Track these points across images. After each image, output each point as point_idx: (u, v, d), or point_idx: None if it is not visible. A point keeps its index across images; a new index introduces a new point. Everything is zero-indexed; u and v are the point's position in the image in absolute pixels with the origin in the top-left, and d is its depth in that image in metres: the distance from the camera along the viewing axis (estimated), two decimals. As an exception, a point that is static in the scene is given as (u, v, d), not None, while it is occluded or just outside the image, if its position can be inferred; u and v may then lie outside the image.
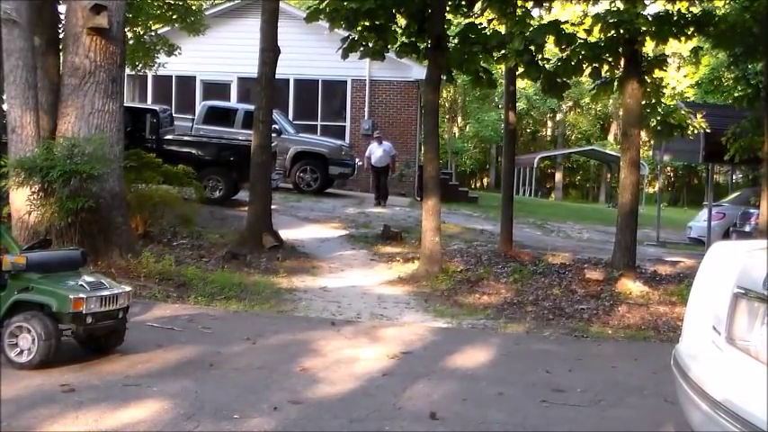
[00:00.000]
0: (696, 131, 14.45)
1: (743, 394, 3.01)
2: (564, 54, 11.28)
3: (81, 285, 5.66)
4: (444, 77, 11.97)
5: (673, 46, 24.38)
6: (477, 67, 11.73)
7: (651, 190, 42.35)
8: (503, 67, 12.84)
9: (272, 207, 12.71)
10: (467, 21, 12.02)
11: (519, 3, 11.66)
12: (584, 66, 11.21)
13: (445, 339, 7.41)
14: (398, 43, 11.62)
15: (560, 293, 9.92)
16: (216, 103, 20.66)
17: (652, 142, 21.36)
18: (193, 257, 10.80)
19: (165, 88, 22.87)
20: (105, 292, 5.72)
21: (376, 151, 19.28)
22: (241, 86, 22.44)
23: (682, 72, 38.56)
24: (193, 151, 16.17)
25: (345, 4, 10.56)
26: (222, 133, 18.11)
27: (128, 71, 15.29)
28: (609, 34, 10.73)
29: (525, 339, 7.81)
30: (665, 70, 12.55)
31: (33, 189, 8.74)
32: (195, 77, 22.80)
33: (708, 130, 14.97)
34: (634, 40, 10.61)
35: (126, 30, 11.82)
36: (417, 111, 22.14)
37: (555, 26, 10.93)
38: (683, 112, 13.39)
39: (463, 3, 11.74)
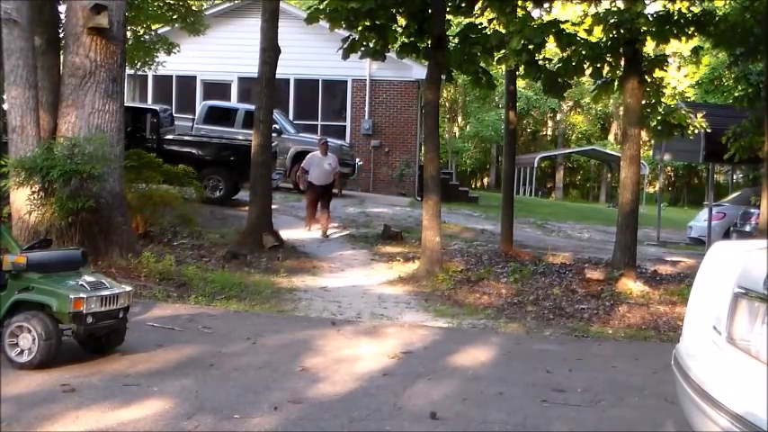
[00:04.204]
0: (696, 131, 14.45)
1: (743, 394, 3.01)
2: (565, 54, 11.29)
3: (81, 285, 5.66)
4: (444, 77, 11.98)
5: (673, 46, 24.38)
6: (477, 67, 11.75)
7: (651, 190, 42.36)
8: (503, 67, 12.84)
9: (273, 207, 12.73)
10: (467, 21, 12.03)
11: (519, 2, 11.67)
12: (585, 66, 11.22)
13: (446, 339, 7.41)
14: (399, 43, 11.62)
15: (561, 293, 9.92)
16: (216, 102, 20.69)
17: (652, 142, 21.34)
18: (194, 257, 10.82)
19: (165, 88, 22.88)
20: (106, 292, 5.72)
21: (318, 165, 14.24)
22: (241, 86, 22.45)
23: (682, 72, 38.55)
24: (194, 151, 16.18)
25: (346, 4, 10.56)
26: (222, 133, 18.14)
27: (128, 71, 15.29)
28: (610, 34, 10.73)
29: (525, 339, 7.81)
30: (666, 70, 12.55)
31: (34, 189, 8.74)
32: (195, 77, 22.81)
33: (708, 130, 14.97)
34: (635, 40, 10.61)
35: (126, 29, 11.81)
36: (418, 111, 22.15)
37: (554, 26, 10.93)
38: (683, 112, 13.38)
39: (463, 3, 11.74)
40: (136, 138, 14.83)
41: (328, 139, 15.28)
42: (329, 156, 14.47)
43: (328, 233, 14.01)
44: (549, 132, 53.50)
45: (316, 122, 22.47)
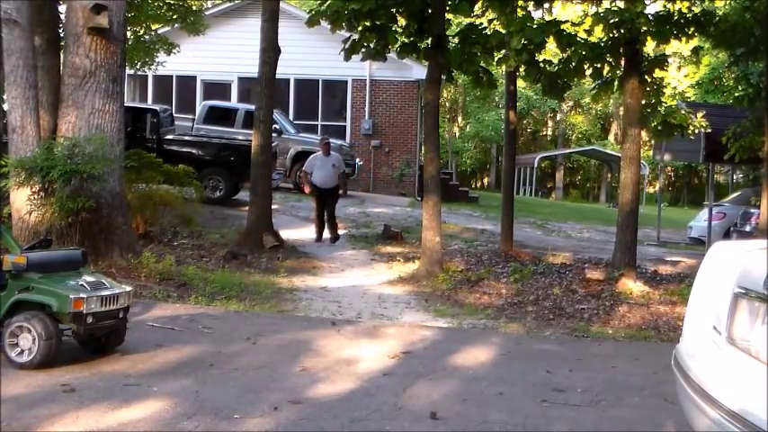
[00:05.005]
0: (696, 131, 14.45)
1: (743, 394, 3.01)
2: (565, 55, 11.29)
3: (81, 285, 5.66)
4: (444, 77, 11.98)
5: (673, 46, 24.38)
6: (477, 67, 11.74)
7: (651, 190, 42.36)
8: (503, 67, 12.84)
9: (273, 207, 12.73)
10: (467, 21, 12.02)
11: (519, 2, 11.66)
12: (585, 66, 11.22)
13: (446, 339, 7.41)
14: (399, 43, 11.62)
15: (561, 293, 9.91)
16: (216, 102, 20.70)
17: (652, 142, 21.35)
18: (194, 257, 10.81)
19: (165, 88, 22.89)
20: (106, 292, 5.72)
21: (321, 166, 13.46)
22: (241, 86, 22.46)
23: (682, 72, 38.54)
24: (194, 151, 16.18)
25: (347, 5, 10.56)
26: (222, 133, 18.14)
27: (128, 71, 15.29)
28: (610, 34, 10.73)
29: (526, 339, 7.81)
30: (666, 70, 12.54)
31: (34, 189, 8.74)
32: (196, 77, 22.82)
33: (708, 130, 14.97)
34: (635, 40, 10.61)
35: (126, 29, 11.81)
36: (418, 111, 22.15)
37: (555, 26, 10.93)
38: (683, 112, 13.38)
39: (464, 3, 11.73)
40: (136, 138, 14.84)
41: (330, 140, 14.83)
42: (332, 156, 13.69)
43: (338, 239, 13.40)
44: (549, 132, 53.49)
45: (316, 122, 22.48)
